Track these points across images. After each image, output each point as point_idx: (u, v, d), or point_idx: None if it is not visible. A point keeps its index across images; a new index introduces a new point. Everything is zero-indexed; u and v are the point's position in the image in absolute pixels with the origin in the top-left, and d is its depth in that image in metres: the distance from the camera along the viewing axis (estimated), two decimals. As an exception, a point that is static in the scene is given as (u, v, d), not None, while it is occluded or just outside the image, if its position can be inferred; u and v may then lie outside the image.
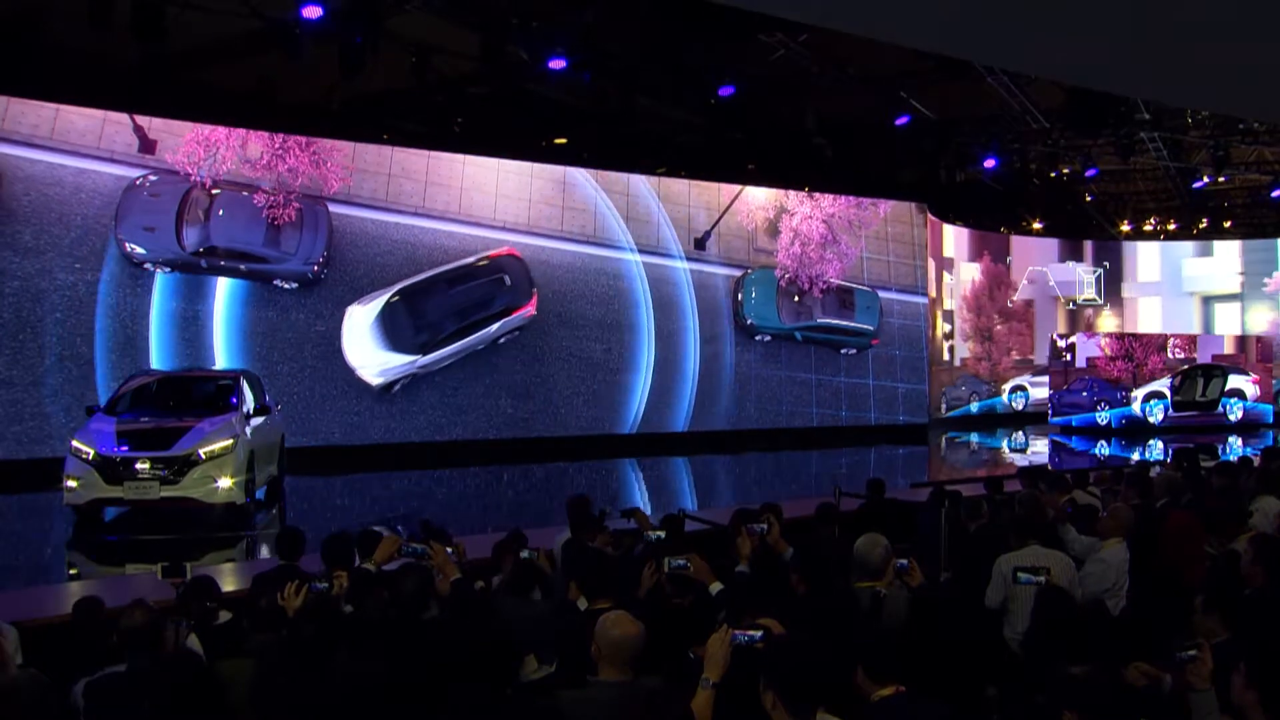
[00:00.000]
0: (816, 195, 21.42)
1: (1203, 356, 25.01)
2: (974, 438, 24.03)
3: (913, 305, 22.64)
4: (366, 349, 16.73)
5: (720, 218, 20.36)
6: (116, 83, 14.82)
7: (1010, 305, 27.10)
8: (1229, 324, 28.59)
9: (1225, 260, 29.34)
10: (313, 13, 12.86)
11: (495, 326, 17.78)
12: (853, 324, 21.66)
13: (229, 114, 16.05)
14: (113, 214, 14.93)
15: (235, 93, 16.23)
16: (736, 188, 20.67)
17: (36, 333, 14.41)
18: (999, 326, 26.46)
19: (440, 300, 17.33)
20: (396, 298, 16.94)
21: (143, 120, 15.24)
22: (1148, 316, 29.09)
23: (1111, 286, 29.01)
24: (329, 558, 6.13)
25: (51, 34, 13.85)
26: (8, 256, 14.24)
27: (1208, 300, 29.35)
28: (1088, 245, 29.00)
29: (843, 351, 21.60)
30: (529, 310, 18.19)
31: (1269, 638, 3.82)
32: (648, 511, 7.79)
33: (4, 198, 14.10)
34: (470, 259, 17.70)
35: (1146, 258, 29.49)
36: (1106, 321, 28.84)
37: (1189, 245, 29.66)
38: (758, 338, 20.70)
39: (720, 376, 20.28)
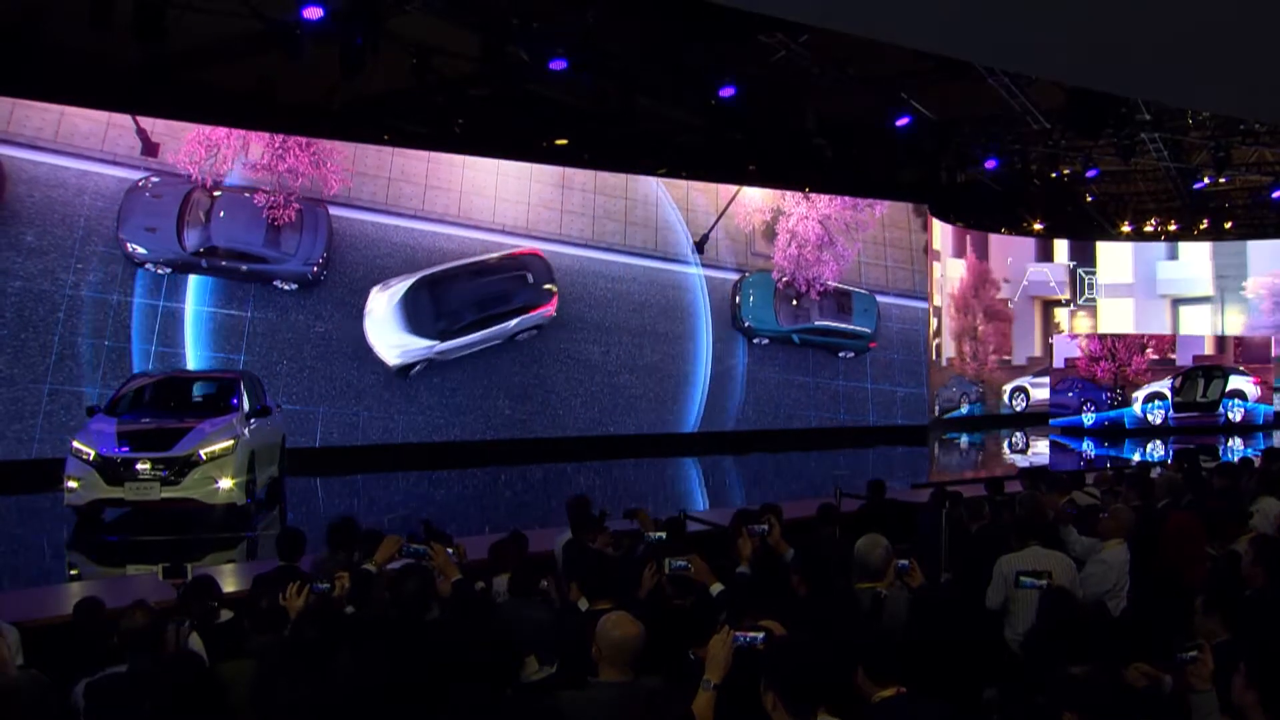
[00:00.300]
0: (812, 196, 21.40)
1: (1183, 358, 24.93)
2: (964, 439, 23.98)
3: (911, 309, 22.61)
4: (387, 330, 17.03)
5: (717, 220, 20.37)
6: (117, 83, 14.83)
7: (1010, 305, 27.06)
8: (1199, 326, 28.54)
9: (1195, 263, 29.30)
10: (313, 13, 12.86)
11: (513, 322, 18.06)
12: (850, 326, 21.68)
13: (229, 114, 16.06)
14: (115, 215, 15.03)
15: (236, 93, 16.24)
16: (737, 189, 20.64)
17: (39, 332, 14.47)
18: (983, 326, 26.18)
19: (462, 290, 17.65)
20: (420, 283, 17.26)
21: (146, 124, 15.31)
22: (1121, 318, 28.87)
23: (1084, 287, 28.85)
24: (334, 542, 6.19)
25: (52, 34, 13.85)
26: (10, 257, 14.32)
27: (1176, 302, 29.28)
28: (1062, 245, 28.66)
29: (840, 355, 21.62)
30: (548, 310, 18.46)
31: (1269, 638, 3.82)
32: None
33: (8, 199, 14.21)
34: (495, 254, 18.02)
35: (1119, 259, 29.26)
36: (1081, 322, 28.64)
37: (1161, 247, 29.51)
38: (756, 341, 20.73)
39: (722, 379, 20.30)
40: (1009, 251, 27.31)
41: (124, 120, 15.11)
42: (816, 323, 21.28)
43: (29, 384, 14.37)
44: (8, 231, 14.26)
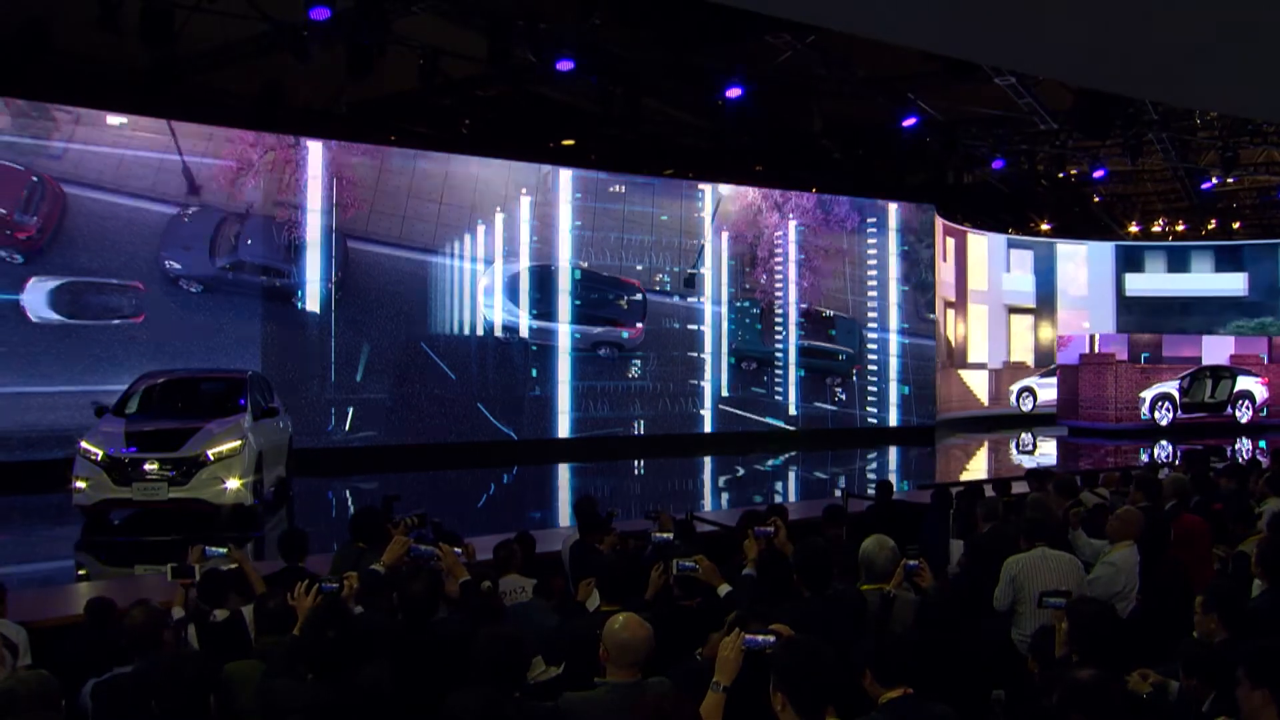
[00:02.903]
0: (785, 208, 21.33)
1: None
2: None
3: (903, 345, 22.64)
4: (495, 295, 18.97)
5: (703, 245, 20.51)
6: (125, 86, 14.90)
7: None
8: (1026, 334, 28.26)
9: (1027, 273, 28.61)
10: (320, 15, 12.88)
11: (598, 329, 19.71)
12: (833, 346, 21.83)
13: (236, 117, 16.13)
14: (156, 242, 16.08)
15: (243, 95, 16.30)
16: (720, 195, 20.73)
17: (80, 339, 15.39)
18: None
19: (566, 285, 19.57)
20: (534, 267, 19.31)
21: (191, 164, 16.10)
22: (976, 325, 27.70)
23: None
24: (358, 532, 6.24)
25: (60, 38, 13.90)
26: (65, 275, 15.38)
27: (1011, 310, 28.29)
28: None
29: (828, 380, 21.71)
30: (631, 333, 19.98)
31: (1272, 638, 3.78)
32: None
33: (68, 228, 15.47)
34: (606, 272, 19.93)
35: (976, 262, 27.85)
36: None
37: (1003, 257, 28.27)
38: (742, 365, 20.99)
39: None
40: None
41: (174, 165, 16.08)
42: (799, 343, 21.44)
43: (65, 382, 14.98)
44: (64, 253, 15.47)
